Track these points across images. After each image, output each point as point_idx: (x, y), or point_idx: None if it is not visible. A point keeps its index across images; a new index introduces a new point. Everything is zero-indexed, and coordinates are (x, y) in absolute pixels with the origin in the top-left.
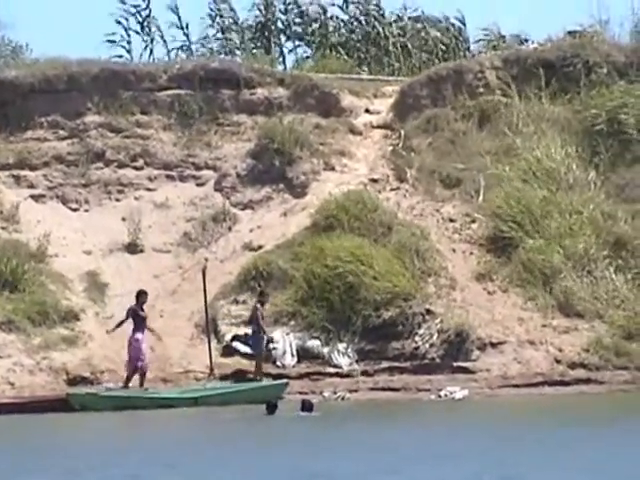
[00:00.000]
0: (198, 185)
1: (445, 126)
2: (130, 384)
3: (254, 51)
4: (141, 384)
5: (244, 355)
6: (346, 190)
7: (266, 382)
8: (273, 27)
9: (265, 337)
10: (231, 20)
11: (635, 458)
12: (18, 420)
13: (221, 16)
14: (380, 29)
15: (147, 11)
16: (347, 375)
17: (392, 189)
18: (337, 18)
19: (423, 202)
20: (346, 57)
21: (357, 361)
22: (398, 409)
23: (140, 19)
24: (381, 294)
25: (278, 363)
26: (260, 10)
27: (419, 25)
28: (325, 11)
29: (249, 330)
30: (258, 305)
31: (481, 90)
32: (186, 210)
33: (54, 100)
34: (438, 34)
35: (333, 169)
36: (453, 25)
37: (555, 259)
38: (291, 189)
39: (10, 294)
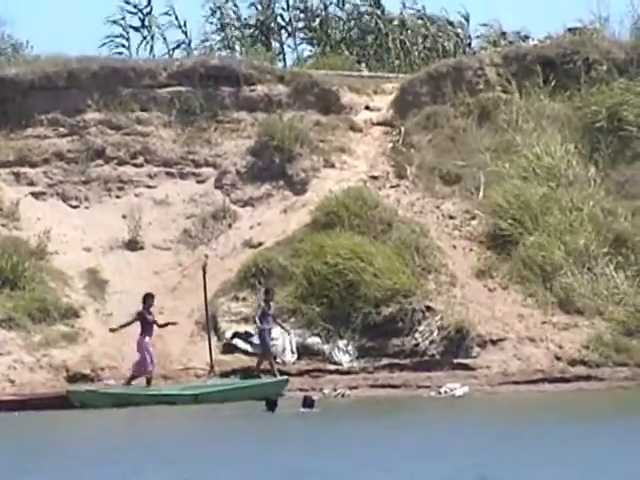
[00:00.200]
0: (198, 182)
1: (445, 123)
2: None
3: (254, 48)
4: (148, 383)
5: (245, 352)
6: (346, 187)
7: (266, 379)
8: (273, 24)
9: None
10: (232, 16)
11: (635, 455)
12: (18, 417)
13: (221, 13)
14: (381, 25)
15: (148, 9)
16: (347, 372)
17: (392, 186)
18: (337, 15)
19: (423, 199)
20: (347, 54)
21: (357, 358)
22: (398, 406)
23: (141, 17)
24: (381, 291)
25: (278, 360)
26: (261, 6)
27: (419, 22)
28: (326, 7)
29: (249, 327)
30: (262, 303)
31: (481, 87)
32: (186, 207)
33: (54, 97)
34: (439, 32)
35: (333, 166)
36: (452, 24)
37: (555, 256)
38: (291, 186)
39: (10, 291)
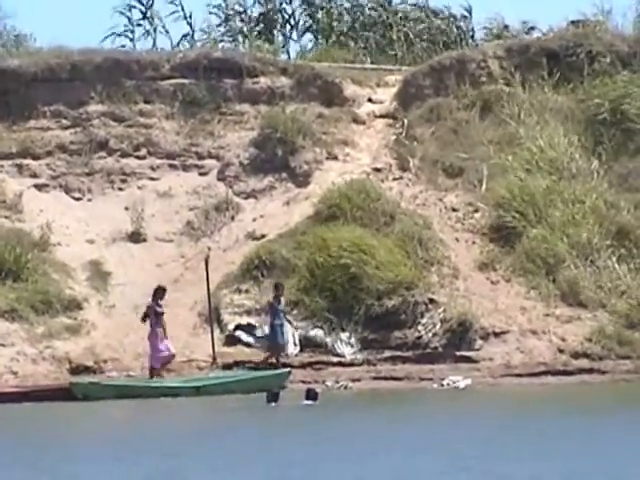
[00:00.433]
0: (201, 174)
1: (448, 115)
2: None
3: (257, 41)
4: (159, 375)
5: (247, 345)
6: (349, 179)
7: (268, 371)
8: (277, 16)
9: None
10: (237, 8)
11: (637, 448)
12: (21, 409)
13: (225, 5)
14: (385, 17)
15: (150, 2)
16: (350, 364)
17: (395, 178)
18: (341, 6)
19: (426, 191)
20: (352, 45)
21: (360, 350)
22: (400, 398)
23: (143, 10)
24: (384, 283)
25: (281, 353)
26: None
27: (422, 14)
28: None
29: (252, 320)
30: (272, 299)
31: (484, 79)
32: (189, 199)
33: (57, 89)
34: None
35: (336, 158)
36: (455, 17)
37: (558, 248)
38: (294, 178)
39: (13, 283)
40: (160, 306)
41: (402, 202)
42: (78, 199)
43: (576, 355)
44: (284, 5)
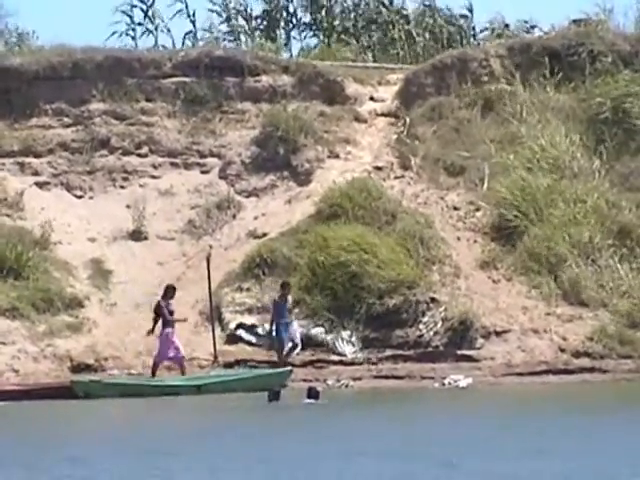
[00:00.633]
0: (202, 173)
1: (449, 114)
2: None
3: (260, 39)
4: (183, 373)
5: (249, 343)
6: (350, 178)
7: (270, 370)
8: (279, 15)
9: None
10: (240, 6)
11: (638, 447)
12: (22, 407)
13: (227, 3)
14: (386, 16)
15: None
16: (351, 363)
17: (396, 177)
18: (343, 5)
19: (427, 190)
20: (352, 44)
21: (361, 349)
22: (402, 397)
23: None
24: (385, 282)
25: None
26: None
27: (424, 13)
28: None
29: (253, 318)
30: (277, 299)
31: (486, 78)
32: (190, 198)
33: (59, 87)
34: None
35: (337, 157)
36: (455, 17)
37: (559, 248)
38: (295, 177)
39: (14, 281)
40: (169, 305)
41: (403, 201)
42: (80, 197)
43: (577, 354)
44: (286, 3)
